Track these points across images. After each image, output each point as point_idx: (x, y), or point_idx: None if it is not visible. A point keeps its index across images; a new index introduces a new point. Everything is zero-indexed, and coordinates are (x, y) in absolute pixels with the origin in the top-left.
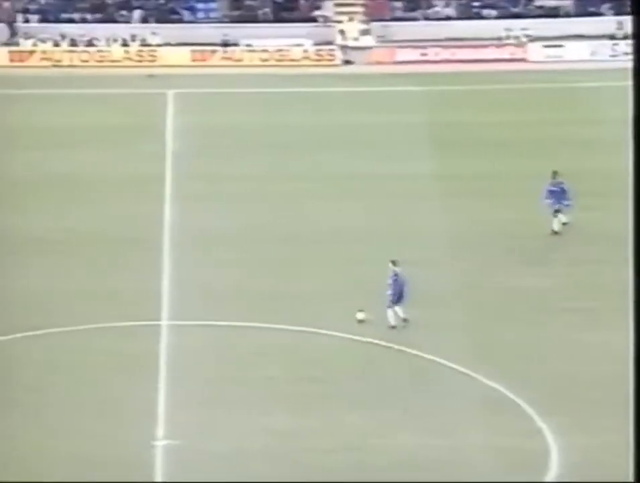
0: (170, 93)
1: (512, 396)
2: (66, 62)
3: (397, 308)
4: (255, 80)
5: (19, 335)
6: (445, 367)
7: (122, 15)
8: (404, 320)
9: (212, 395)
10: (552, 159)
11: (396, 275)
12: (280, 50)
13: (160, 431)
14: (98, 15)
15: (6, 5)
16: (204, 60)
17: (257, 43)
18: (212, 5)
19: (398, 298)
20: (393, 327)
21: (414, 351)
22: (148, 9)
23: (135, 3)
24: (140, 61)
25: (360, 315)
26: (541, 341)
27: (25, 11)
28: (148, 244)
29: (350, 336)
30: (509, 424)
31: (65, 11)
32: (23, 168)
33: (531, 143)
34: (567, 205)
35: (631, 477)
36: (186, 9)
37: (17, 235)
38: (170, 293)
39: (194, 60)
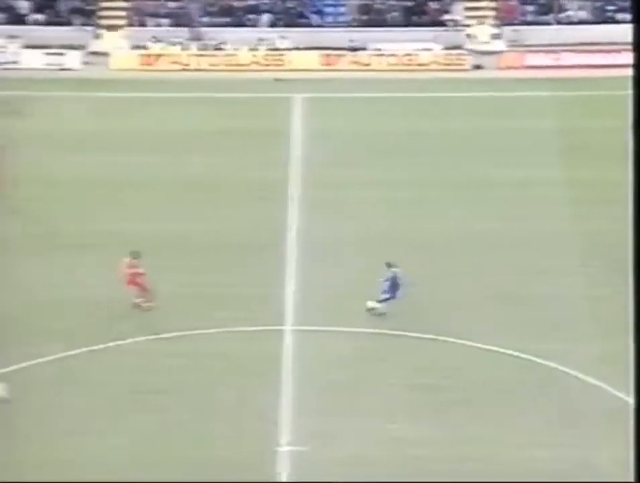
0: (297, 97)
1: None
2: (194, 66)
3: (375, 302)
4: (383, 84)
5: (144, 338)
6: (575, 378)
7: (250, 19)
8: (371, 309)
9: (335, 401)
10: None
11: (393, 276)
12: (409, 54)
13: (283, 436)
14: (226, 19)
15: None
16: (333, 64)
17: (385, 48)
18: (341, 9)
19: (391, 297)
20: (382, 314)
21: (544, 361)
22: (277, 12)
23: (263, 7)
24: (268, 65)
25: (370, 304)
26: None
27: (156, 15)
28: (272, 249)
29: (478, 344)
30: None
31: (194, 15)
32: (149, 171)
33: None
34: None
35: (631, 477)
36: (315, 12)
37: (143, 239)
38: (293, 298)
39: (322, 64)
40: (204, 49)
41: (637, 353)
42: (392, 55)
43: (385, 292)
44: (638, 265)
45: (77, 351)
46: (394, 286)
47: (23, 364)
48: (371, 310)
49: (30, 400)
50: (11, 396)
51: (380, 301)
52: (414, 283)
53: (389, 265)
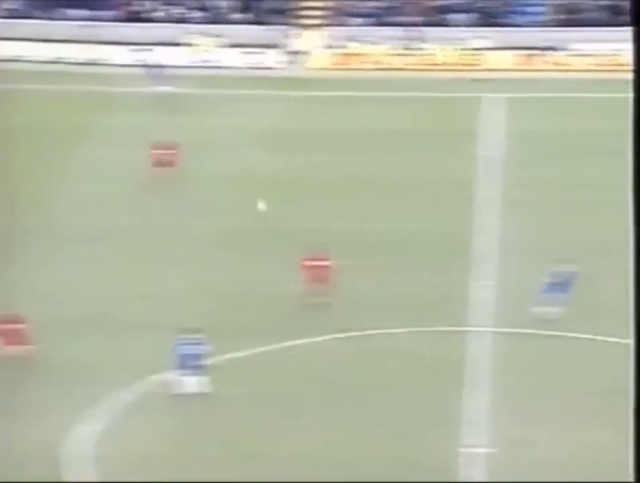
0: (493, 97)
1: None
2: (390, 65)
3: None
4: (582, 85)
5: (331, 336)
6: None
7: (446, 19)
8: (541, 315)
9: (519, 403)
10: None
11: (565, 276)
12: (609, 54)
13: (468, 437)
14: (424, 19)
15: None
16: (530, 64)
17: (584, 47)
18: (540, 9)
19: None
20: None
21: None
22: (473, 12)
23: (460, 7)
24: (465, 64)
25: (260, 205)
26: None
27: (352, 14)
28: (461, 249)
29: None
30: None
31: (392, 15)
32: (342, 170)
33: None
34: None
35: (631, 477)
36: (512, 12)
37: (332, 237)
38: (481, 299)
39: (519, 64)
40: (402, 48)
41: (637, 348)
42: (591, 55)
43: (545, 291)
44: (638, 265)
45: (270, 347)
46: (562, 285)
47: (221, 358)
48: (541, 315)
49: (228, 393)
50: (211, 390)
51: (546, 304)
52: (600, 285)
53: (563, 263)
